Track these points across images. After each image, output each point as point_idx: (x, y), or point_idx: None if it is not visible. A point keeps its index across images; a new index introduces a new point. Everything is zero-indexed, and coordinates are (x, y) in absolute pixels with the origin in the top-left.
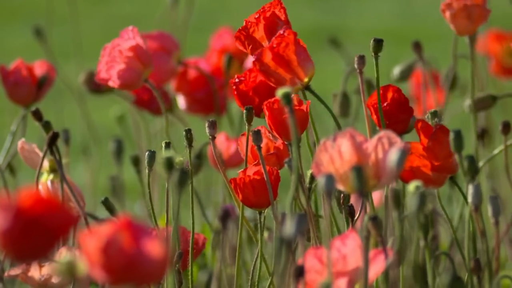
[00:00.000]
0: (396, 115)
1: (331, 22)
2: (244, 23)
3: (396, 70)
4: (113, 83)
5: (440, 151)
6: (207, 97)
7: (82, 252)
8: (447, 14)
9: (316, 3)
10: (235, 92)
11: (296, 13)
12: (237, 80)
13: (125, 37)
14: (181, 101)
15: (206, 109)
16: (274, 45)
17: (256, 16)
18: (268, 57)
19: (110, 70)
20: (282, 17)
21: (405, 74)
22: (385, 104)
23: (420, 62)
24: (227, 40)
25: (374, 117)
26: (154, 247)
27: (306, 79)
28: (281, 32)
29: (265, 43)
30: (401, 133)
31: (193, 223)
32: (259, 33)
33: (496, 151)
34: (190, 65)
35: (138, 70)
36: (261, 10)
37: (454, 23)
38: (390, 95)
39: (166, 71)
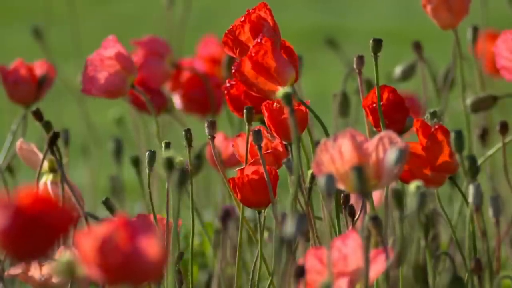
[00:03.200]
0: (391, 115)
1: (332, 23)
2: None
3: (398, 70)
4: (97, 92)
5: (439, 151)
6: (203, 97)
7: (79, 252)
8: (428, 8)
9: (316, 3)
10: (227, 97)
11: (296, 14)
12: (228, 84)
13: (106, 46)
14: (177, 101)
15: (202, 109)
16: (253, 54)
17: (242, 19)
18: (247, 67)
19: (93, 80)
20: (268, 19)
21: (407, 74)
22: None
23: (420, 62)
24: (213, 48)
25: (370, 117)
26: (151, 246)
27: (287, 86)
28: (258, 40)
29: (252, 45)
30: (397, 133)
31: (193, 223)
32: (245, 35)
33: (492, 151)
34: (184, 66)
35: (121, 76)
36: (246, 13)
37: (435, 17)
38: (385, 95)
39: (159, 75)
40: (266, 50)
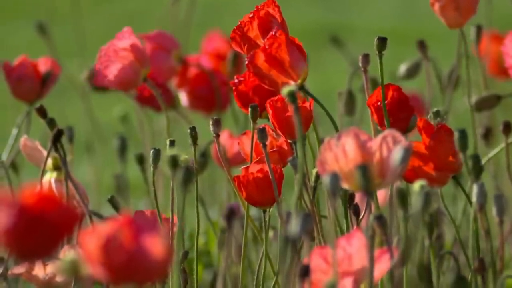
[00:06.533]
0: (396, 114)
1: (335, 21)
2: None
3: (402, 68)
4: (110, 83)
5: (442, 150)
6: (209, 94)
7: (83, 250)
8: (436, 6)
9: (320, 1)
10: (235, 93)
11: (300, 11)
12: (236, 80)
13: (121, 37)
14: (183, 98)
15: (209, 106)
16: (267, 46)
17: (250, 16)
18: (261, 59)
19: (107, 70)
20: (277, 16)
21: (411, 72)
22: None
23: (425, 62)
24: (218, 43)
25: (375, 116)
26: (155, 245)
27: (299, 80)
28: (273, 33)
29: (260, 42)
30: (401, 132)
31: (198, 222)
32: (254, 31)
33: (496, 150)
34: (191, 62)
35: (135, 69)
36: (255, 9)
37: (443, 16)
38: (390, 93)
39: (166, 70)
40: (280, 43)
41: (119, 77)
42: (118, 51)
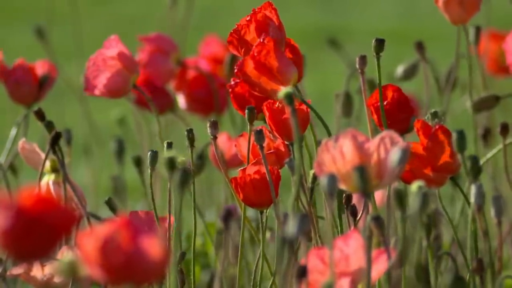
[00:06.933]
0: (396, 115)
1: (334, 22)
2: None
3: (400, 69)
4: (100, 91)
5: (440, 151)
6: (207, 97)
7: (81, 252)
8: (440, 2)
9: (319, 3)
10: (232, 95)
11: (299, 14)
12: (233, 82)
13: (108, 46)
14: (181, 101)
15: (207, 109)
16: (255, 54)
17: (247, 19)
18: (250, 67)
19: (96, 79)
20: (274, 18)
21: (409, 74)
22: (385, 104)
23: (423, 63)
24: (215, 47)
25: (374, 116)
26: (152, 246)
27: (289, 85)
28: (261, 40)
29: None
30: (401, 132)
31: (195, 223)
32: (251, 35)
33: (494, 151)
34: (190, 65)
35: (123, 76)
36: (252, 12)
37: (447, 12)
38: (390, 94)
39: (165, 72)
40: (268, 50)
41: (108, 86)
42: (106, 59)
